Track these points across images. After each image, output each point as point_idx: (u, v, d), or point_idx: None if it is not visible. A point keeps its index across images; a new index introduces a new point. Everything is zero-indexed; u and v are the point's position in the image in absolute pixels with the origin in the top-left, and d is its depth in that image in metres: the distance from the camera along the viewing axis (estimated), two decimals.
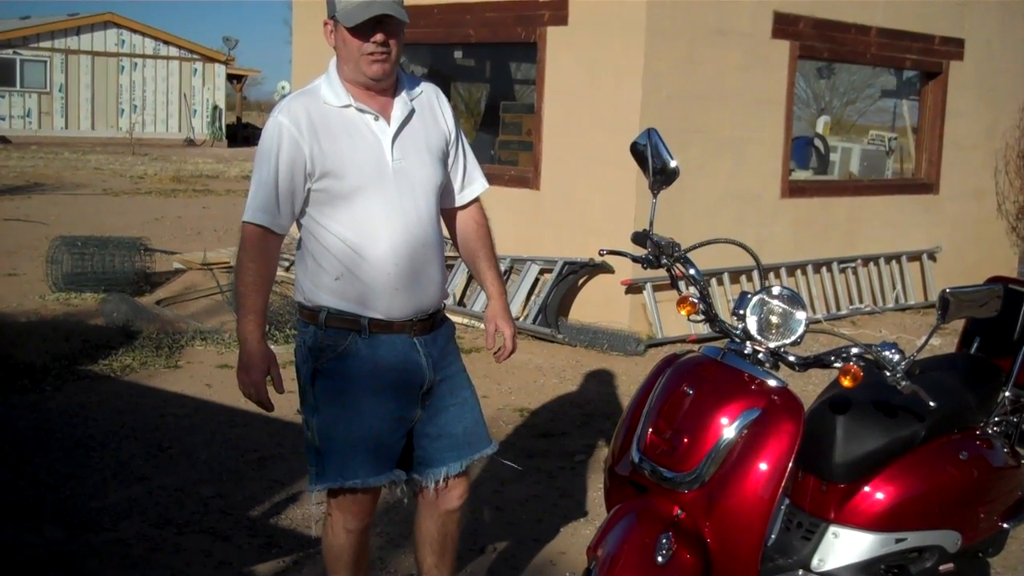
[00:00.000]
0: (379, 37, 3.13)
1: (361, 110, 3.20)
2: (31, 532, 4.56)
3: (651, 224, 3.39)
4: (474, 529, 4.69)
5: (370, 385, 3.23)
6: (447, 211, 3.47)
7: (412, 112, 3.29)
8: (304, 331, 3.29)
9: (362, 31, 3.12)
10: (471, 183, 3.50)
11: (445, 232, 3.48)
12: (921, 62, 10.90)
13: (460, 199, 3.49)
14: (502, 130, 10.92)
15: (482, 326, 3.64)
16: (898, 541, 3.34)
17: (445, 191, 3.40)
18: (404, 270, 3.21)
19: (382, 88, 3.23)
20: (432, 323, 3.35)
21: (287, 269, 9.64)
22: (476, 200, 3.54)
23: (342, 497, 3.30)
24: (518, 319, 8.51)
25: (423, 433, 3.37)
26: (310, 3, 10.96)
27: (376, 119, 3.22)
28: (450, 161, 3.42)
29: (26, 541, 4.48)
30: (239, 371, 3.21)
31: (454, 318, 8.47)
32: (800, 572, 3.32)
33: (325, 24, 3.24)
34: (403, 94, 3.28)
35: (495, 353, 3.52)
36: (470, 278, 9.12)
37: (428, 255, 3.27)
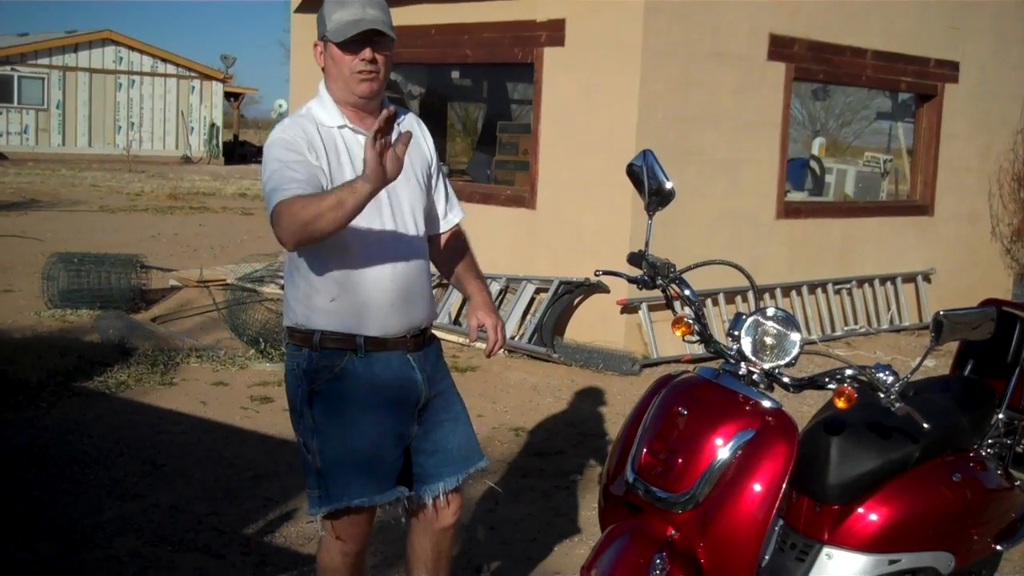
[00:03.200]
0: (367, 53, 3.17)
1: (355, 131, 3.24)
2: (25, 548, 4.56)
3: (647, 244, 3.41)
4: (468, 548, 4.69)
5: (369, 403, 3.24)
6: (431, 237, 3.51)
7: (399, 136, 3.32)
8: (297, 354, 3.28)
9: (351, 48, 3.16)
10: (452, 209, 3.58)
11: None
12: (916, 84, 10.96)
13: (444, 225, 3.56)
14: (499, 150, 10.96)
15: (479, 345, 3.64)
16: (892, 563, 3.35)
17: (429, 217, 3.46)
18: (400, 286, 3.24)
19: (371, 109, 3.25)
20: (423, 339, 3.38)
21: (281, 287, 9.65)
22: (457, 226, 3.61)
23: (340, 520, 3.29)
24: (513, 338, 8.52)
25: (420, 449, 3.38)
26: (308, 22, 11.00)
27: None
28: (433, 187, 3.49)
29: (20, 558, 4.47)
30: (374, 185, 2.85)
31: (450, 337, 8.51)
32: None
33: (315, 45, 3.28)
34: None
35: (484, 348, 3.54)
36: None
37: (419, 272, 3.33)
